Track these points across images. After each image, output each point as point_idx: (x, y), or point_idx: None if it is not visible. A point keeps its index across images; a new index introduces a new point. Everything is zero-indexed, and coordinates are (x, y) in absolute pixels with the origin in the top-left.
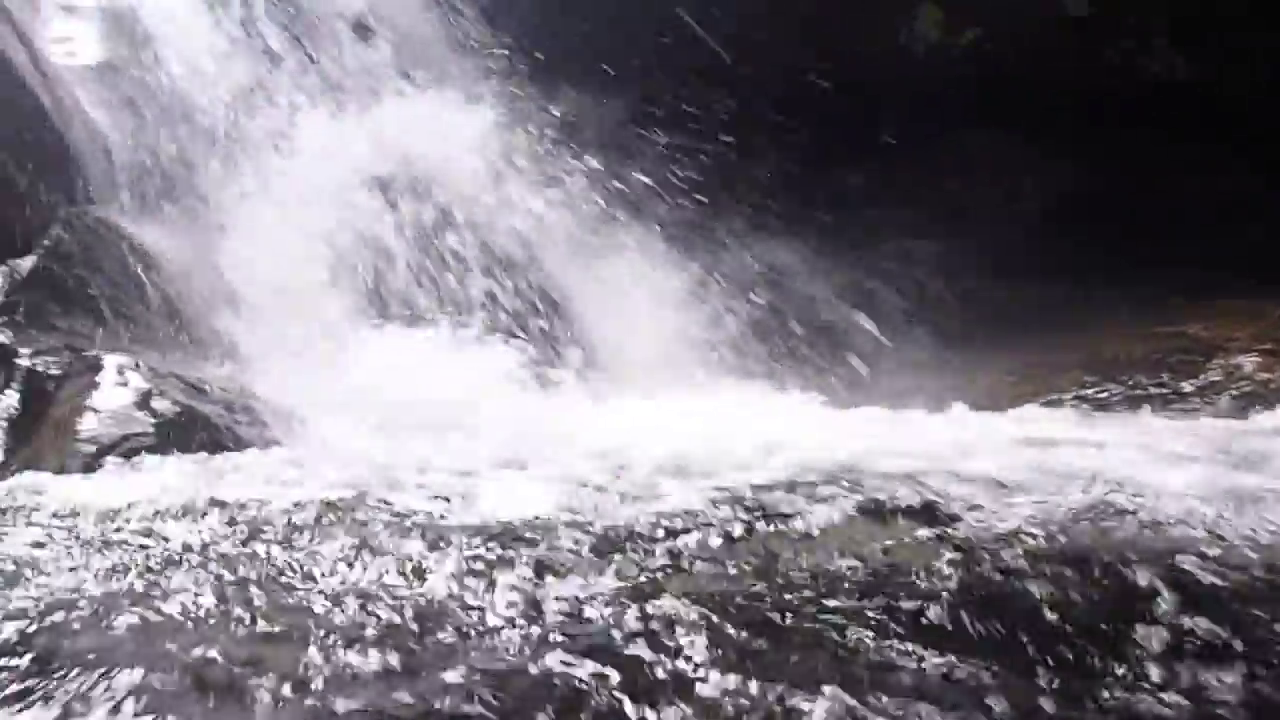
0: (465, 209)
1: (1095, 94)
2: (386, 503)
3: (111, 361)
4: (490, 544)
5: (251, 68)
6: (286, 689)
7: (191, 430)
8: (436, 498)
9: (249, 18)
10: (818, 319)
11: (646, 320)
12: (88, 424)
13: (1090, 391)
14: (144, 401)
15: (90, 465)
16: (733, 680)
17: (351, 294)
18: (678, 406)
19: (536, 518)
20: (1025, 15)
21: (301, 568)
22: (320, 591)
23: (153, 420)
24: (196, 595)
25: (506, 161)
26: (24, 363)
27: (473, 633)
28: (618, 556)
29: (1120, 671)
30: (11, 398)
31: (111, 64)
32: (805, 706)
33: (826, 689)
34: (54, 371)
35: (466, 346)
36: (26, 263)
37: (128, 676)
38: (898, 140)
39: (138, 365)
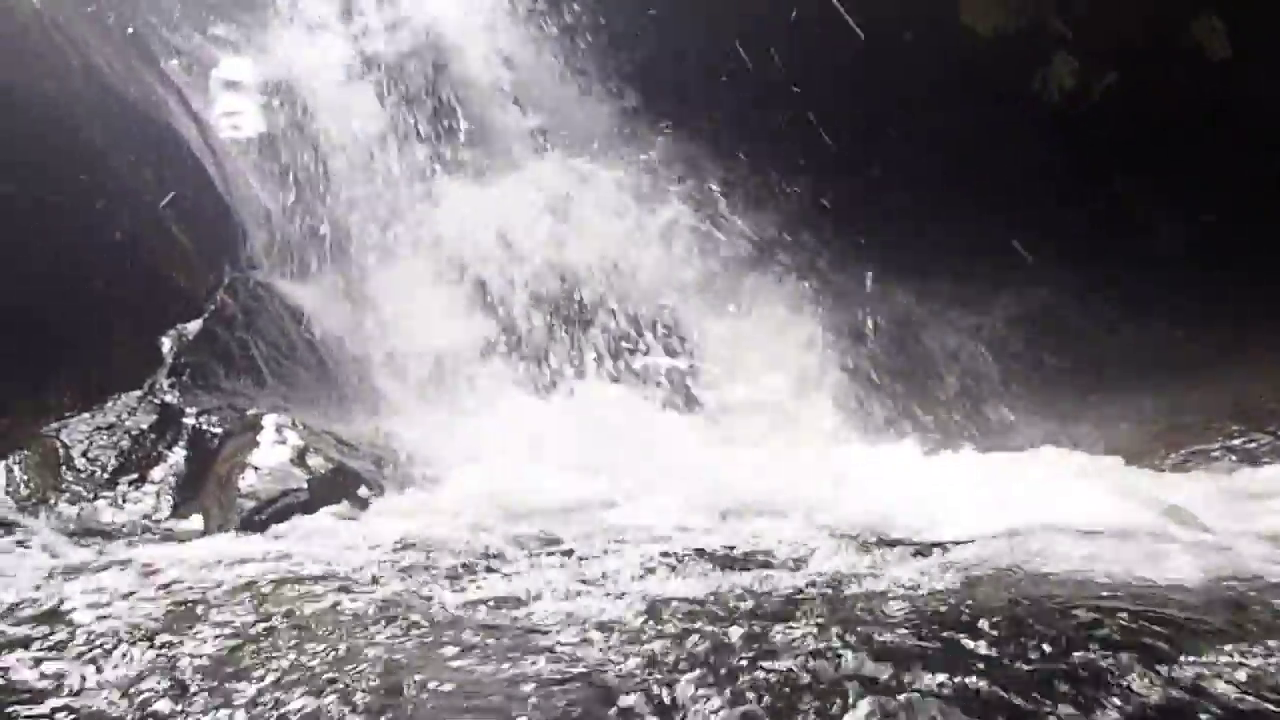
0: (602, 267)
1: (1234, 136)
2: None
3: (270, 420)
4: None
5: (403, 138)
6: None
7: (342, 485)
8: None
9: (401, 90)
10: (949, 367)
11: (777, 368)
12: (248, 480)
13: (1238, 442)
14: (300, 458)
15: (250, 520)
16: None
17: (492, 348)
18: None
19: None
20: (1163, 59)
21: None
22: None
23: (307, 476)
24: None
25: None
26: (190, 421)
27: None
28: None
29: None
30: (179, 454)
31: (272, 136)
32: None
33: None
34: (217, 430)
35: (603, 397)
36: (194, 326)
37: None
38: (1027, 185)
39: (294, 424)
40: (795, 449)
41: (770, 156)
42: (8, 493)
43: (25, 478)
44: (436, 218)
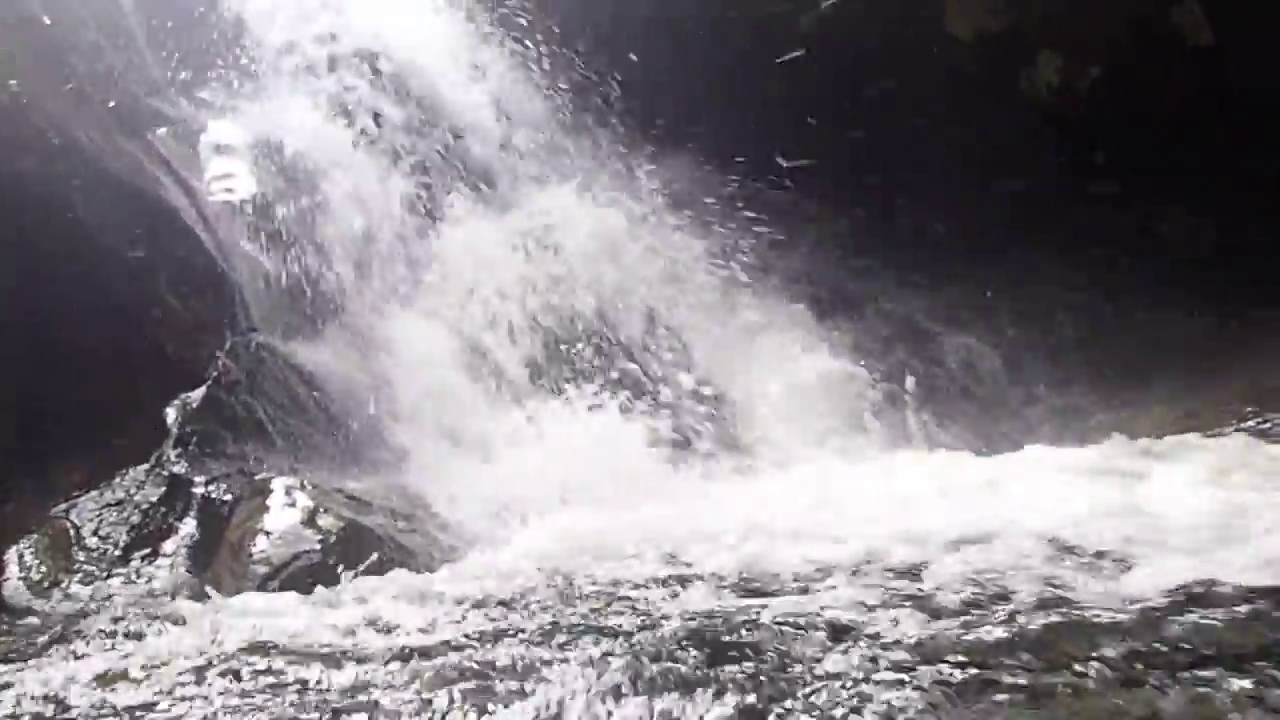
0: (609, 299)
1: (1229, 131)
2: None
3: (279, 483)
4: None
5: (396, 185)
6: None
7: (356, 544)
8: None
9: (392, 138)
10: (969, 369)
11: (796, 387)
12: (260, 546)
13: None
14: (310, 519)
15: (264, 586)
16: None
17: (503, 389)
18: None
19: None
20: (1146, 49)
21: None
22: None
23: (319, 538)
24: None
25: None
26: (199, 490)
27: None
28: None
29: None
30: (190, 525)
31: (265, 196)
32: None
33: None
34: (227, 497)
35: (623, 433)
36: (197, 394)
37: None
38: (1027, 185)
39: (303, 484)
40: (826, 471)
41: (770, 175)
42: (20, 579)
43: (37, 562)
44: (437, 262)
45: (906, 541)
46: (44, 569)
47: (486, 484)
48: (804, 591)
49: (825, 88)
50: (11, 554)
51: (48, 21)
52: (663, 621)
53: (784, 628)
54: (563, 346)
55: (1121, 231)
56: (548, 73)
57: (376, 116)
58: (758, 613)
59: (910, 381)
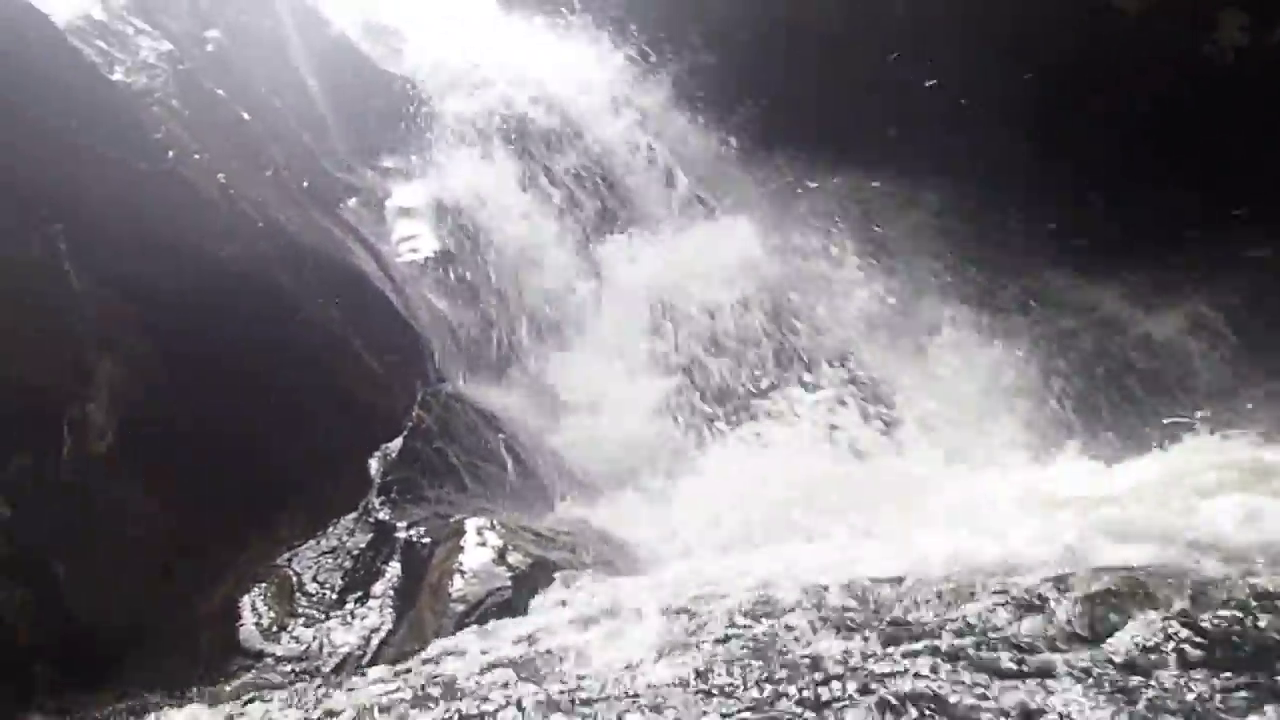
0: (775, 320)
1: None
2: None
3: (472, 524)
4: None
5: (564, 227)
6: None
7: (543, 579)
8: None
9: (558, 182)
10: (1153, 362)
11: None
12: (457, 585)
13: None
14: (501, 557)
15: (462, 623)
16: None
17: (679, 418)
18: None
19: None
20: None
21: None
22: None
23: (509, 574)
24: None
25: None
26: (401, 535)
27: None
28: None
29: None
30: (395, 568)
31: (446, 252)
32: None
33: None
34: (426, 540)
35: (801, 452)
36: (396, 444)
37: None
38: (1218, 157)
39: (493, 524)
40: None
41: (934, 174)
42: (254, 624)
43: (266, 608)
44: (607, 298)
45: None
46: (272, 614)
47: (667, 518)
48: None
49: (993, 79)
50: (245, 601)
51: (248, 117)
52: None
53: None
54: (737, 378)
55: None
56: (709, 105)
57: (546, 170)
58: None
59: (1099, 373)
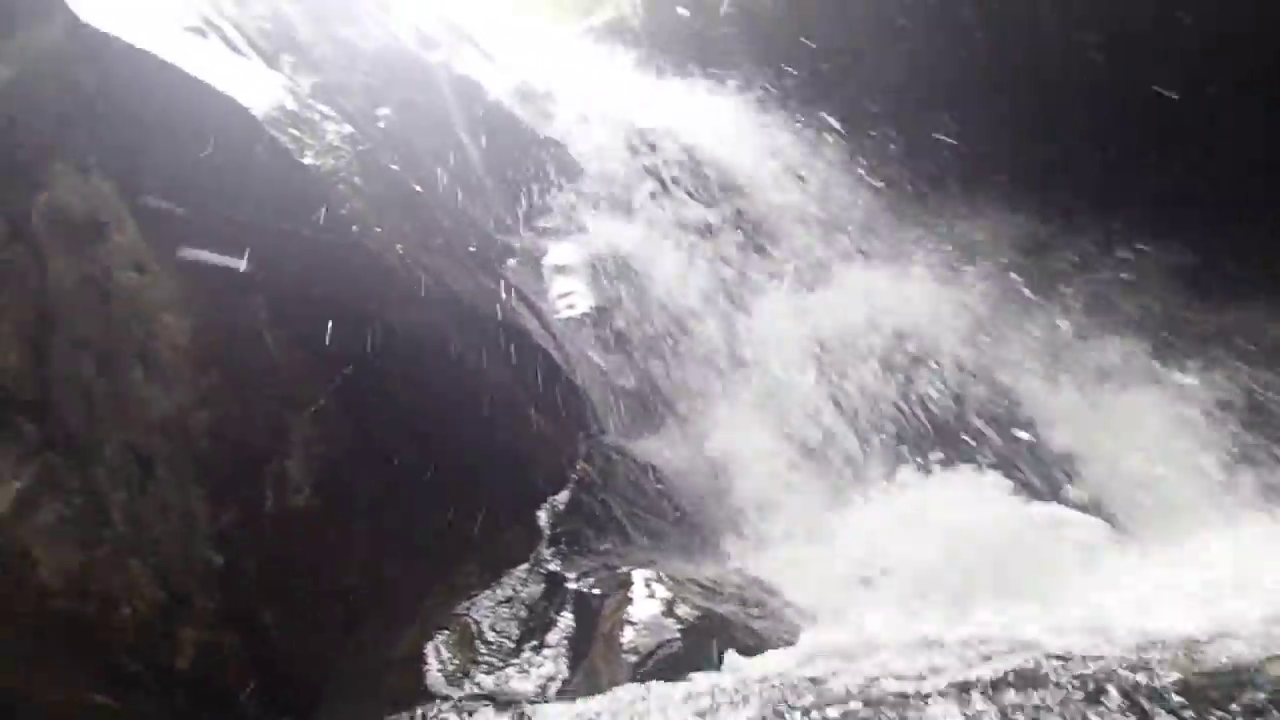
0: (943, 371)
1: None
2: None
3: (639, 576)
4: None
5: (721, 279)
6: None
7: (711, 631)
8: None
9: (712, 238)
10: None
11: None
12: (628, 636)
13: None
14: (669, 609)
15: (634, 675)
16: None
17: (839, 465)
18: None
19: None
20: None
21: None
22: None
23: (679, 626)
24: None
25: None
26: (572, 586)
27: None
28: None
29: None
30: (567, 618)
31: (602, 308)
32: None
33: None
34: (596, 591)
35: (978, 502)
36: (562, 497)
37: None
38: None
39: (660, 576)
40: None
41: (1100, 210)
42: (439, 670)
43: (449, 655)
44: (762, 347)
45: None
46: (456, 661)
47: (831, 571)
48: None
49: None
50: (430, 648)
51: (419, 190)
52: None
53: None
54: (899, 424)
55: None
56: (868, 154)
57: (699, 224)
58: None
59: None
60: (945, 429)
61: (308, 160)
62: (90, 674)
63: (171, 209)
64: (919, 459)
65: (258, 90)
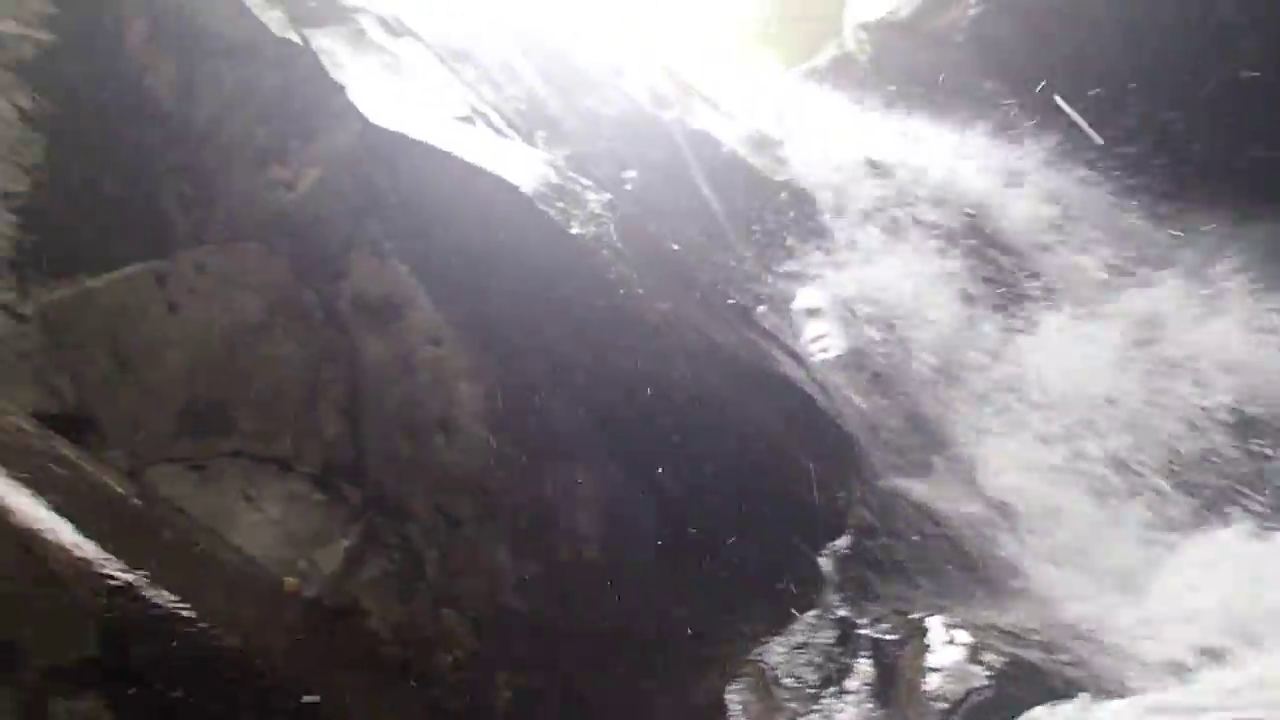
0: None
1: None
2: None
3: (935, 622)
4: None
5: (977, 311)
6: None
7: (1023, 679)
8: None
9: (962, 263)
10: None
11: None
12: (933, 683)
13: None
14: (974, 656)
15: None
16: None
17: (1132, 504)
18: None
19: None
20: None
21: None
22: None
23: (987, 673)
24: None
25: None
26: (864, 632)
27: None
28: None
29: None
30: (864, 664)
31: (856, 350)
32: None
33: None
34: (889, 636)
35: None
36: (842, 542)
37: None
38: None
39: (958, 622)
40: None
41: None
42: (742, 715)
43: (749, 699)
44: (1025, 380)
45: None
46: (756, 707)
47: (1139, 615)
48: None
49: None
50: (730, 693)
51: (676, 248)
52: None
53: None
54: (1209, 457)
55: None
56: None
57: (948, 255)
58: None
59: None
60: (1251, 470)
61: (574, 230)
62: (415, 714)
63: (460, 284)
64: (1235, 502)
65: (524, 169)
